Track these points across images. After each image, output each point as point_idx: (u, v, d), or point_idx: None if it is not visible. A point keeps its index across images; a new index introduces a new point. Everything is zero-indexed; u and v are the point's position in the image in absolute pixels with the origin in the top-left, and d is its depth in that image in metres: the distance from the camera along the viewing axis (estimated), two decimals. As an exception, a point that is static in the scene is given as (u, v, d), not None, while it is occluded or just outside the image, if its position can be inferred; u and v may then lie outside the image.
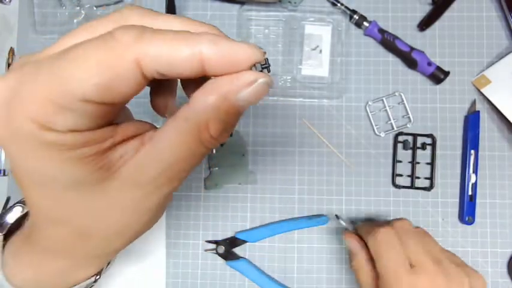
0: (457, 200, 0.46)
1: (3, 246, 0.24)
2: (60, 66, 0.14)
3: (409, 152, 0.47)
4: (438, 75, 0.45)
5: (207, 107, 0.16)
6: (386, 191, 0.47)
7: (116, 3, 0.48)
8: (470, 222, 0.45)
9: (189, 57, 0.15)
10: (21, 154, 0.15)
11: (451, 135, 0.47)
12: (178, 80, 0.21)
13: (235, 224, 0.47)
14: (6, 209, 0.25)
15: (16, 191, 0.47)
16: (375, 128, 0.47)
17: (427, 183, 0.46)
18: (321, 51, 0.48)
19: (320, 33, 0.48)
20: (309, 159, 0.47)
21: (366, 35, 0.47)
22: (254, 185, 0.47)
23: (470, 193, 0.45)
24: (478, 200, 0.45)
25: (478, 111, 0.46)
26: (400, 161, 0.47)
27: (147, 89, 0.20)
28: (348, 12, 0.47)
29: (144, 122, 0.19)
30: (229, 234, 0.47)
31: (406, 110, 0.47)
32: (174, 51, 0.15)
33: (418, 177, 0.46)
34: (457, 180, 0.46)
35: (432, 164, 0.46)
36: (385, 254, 0.36)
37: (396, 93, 0.47)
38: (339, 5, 0.47)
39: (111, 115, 0.16)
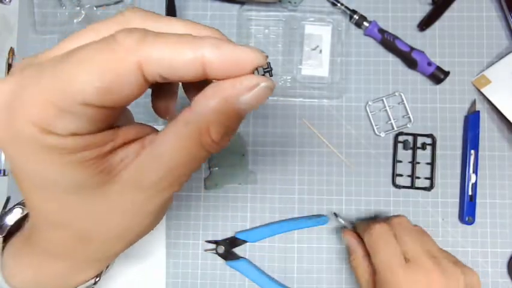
0: (457, 200, 0.46)
1: (3, 248, 0.24)
2: (61, 69, 0.14)
3: (409, 152, 0.47)
4: (438, 75, 0.45)
5: (208, 111, 0.16)
6: (387, 191, 0.47)
7: (115, 3, 0.48)
8: (470, 222, 0.45)
9: (191, 61, 0.15)
10: (22, 157, 0.15)
11: (451, 135, 0.47)
12: (180, 83, 0.21)
13: (235, 224, 0.47)
14: (6, 210, 0.25)
15: (16, 191, 0.47)
16: (374, 128, 0.47)
17: (427, 183, 0.46)
18: (321, 51, 0.48)
19: (320, 33, 0.48)
20: (309, 159, 0.47)
21: (366, 35, 0.47)
22: (254, 185, 0.47)
23: (470, 193, 0.45)
24: (478, 200, 0.45)
25: (478, 111, 0.46)
26: (400, 161, 0.47)
27: (148, 89, 0.20)
28: (348, 12, 0.47)
29: (145, 125, 0.19)
30: (229, 234, 0.47)
31: (406, 110, 0.47)
32: (176, 54, 0.15)
33: (418, 177, 0.46)
34: (457, 180, 0.46)
35: (432, 164, 0.46)
36: (380, 248, 0.37)
37: (396, 93, 0.47)
38: (339, 5, 0.47)
39: (112, 118, 0.16)
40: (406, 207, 0.46)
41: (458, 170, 0.46)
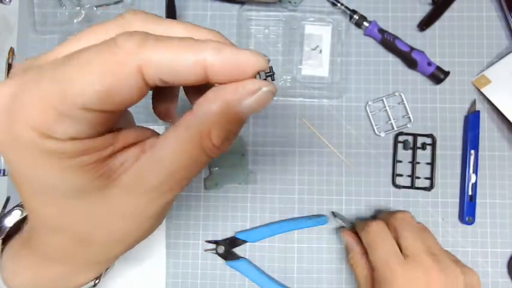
0: (457, 200, 0.46)
1: (2, 250, 0.24)
2: (61, 72, 0.14)
3: (409, 152, 0.47)
4: (438, 75, 0.45)
5: (209, 115, 0.16)
6: (387, 191, 0.47)
7: (115, 3, 0.48)
8: (470, 222, 0.45)
9: (192, 65, 0.15)
10: (21, 161, 0.15)
11: (451, 135, 0.47)
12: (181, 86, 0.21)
13: (235, 224, 0.47)
14: (5, 212, 0.25)
15: (16, 191, 0.46)
16: (375, 128, 0.47)
17: (427, 183, 0.46)
18: (321, 51, 0.48)
19: (320, 33, 0.48)
20: (309, 159, 0.47)
21: (366, 35, 0.47)
22: (254, 185, 0.47)
23: (470, 193, 0.45)
24: (478, 200, 0.45)
25: (478, 111, 0.46)
26: (400, 161, 0.47)
27: (149, 91, 0.20)
28: (348, 12, 0.47)
29: (145, 128, 0.19)
30: (229, 234, 0.47)
31: (406, 110, 0.47)
32: (177, 58, 0.14)
33: (418, 177, 0.46)
34: (457, 180, 0.46)
35: (432, 164, 0.46)
36: (377, 246, 0.37)
37: (396, 93, 0.47)
38: (339, 5, 0.47)
39: (112, 122, 0.16)
40: (406, 207, 0.46)
41: (458, 170, 0.46)
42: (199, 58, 0.15)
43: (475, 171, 0.45)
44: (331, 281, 0.46)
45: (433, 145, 0.46)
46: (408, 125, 0.47)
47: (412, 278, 0.34)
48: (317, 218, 0.46)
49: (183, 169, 0.17)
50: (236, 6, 0.48)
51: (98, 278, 0.24)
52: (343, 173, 0.47)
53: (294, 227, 0.46)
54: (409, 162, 0.47)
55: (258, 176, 0.47)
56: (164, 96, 0.21)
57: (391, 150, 0.47)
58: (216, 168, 0.47)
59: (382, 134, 0.47)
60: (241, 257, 0.46)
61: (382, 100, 0.47)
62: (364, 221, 0.42)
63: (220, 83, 0.16)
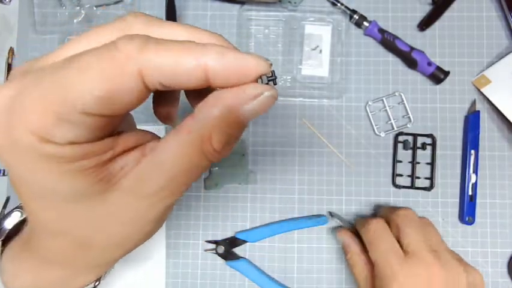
0: (457, 200, 0.46)
1: (2, 251, 0.24)
2: (60, 76, 0.14)
3: (409, 152, 0.47)
4: (438, 75, 0.45)
5: (210, 119, 0.16)
6: (387, 191, 0.47)
7: (115, 3, 0.48)
8: (470, 222, 0.45)
9: (193, 69, 0.15)
10: (20, 165, 0.15)
11: (451, 135, 0.47)
12: None
13: (235, 224, 0.47)
14: (5, 214, 0.25)
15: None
16: (375, 128, 0.47)
17: (427, 183, 0.46)
18: (321, 51, 0.48)
19: (320, 33, 0.48)
20: (309, 159, 0.47)
21: (366, 35, 0.47)
22: (254, 185, 0.47)
23: (470, 193, 0.45)
24: (478, 200, 0.45)
25: (478, 111, 0.46)
26: (400, 161, 0.47)
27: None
28: (348, 12, 0.47)
29: (146, 131, 0.19)
30: (229, 234, 0.47)
31: (406, 110, 0.47)
32: (178, 63, 0.14)
33: (418, 177, 0.46)
34: (457, 180, 0.46)
35: (432, 164, 0.46)
36: (377, 243, 0.37)
37: (396, 93, 0.47)
38: (339, 5, 0.47)
39: (112, 126, 0.16)
40: (406, 207, 0.46)
41: (458, 170, 0.46)
42: (200, 62, 0.14)
43: (475, 171, 0.45)
44: (331, 281, 0.46)
45: (433, 145, 0.46)
46: (408, 125, 0.47)
47: (412, 275, 0.34)
48: (317, 218, 0.46)
49: (184, 173, 0.17)
50: (236, 6, 0.48)
51: (98, 280, 0.24)
52: (343, 173, 0.47)
53: (294, 227, 0.46)
54: (409, 162, 0.47)
55: (258, 176, 0.47)
56: (165, 99, 0.21)
57: (391, 150, 0.47)
58: (216, 168, 0.47)
59: (382, 134, 0.47)
60: (241, 257, 0.46)
61: (382, 100, 0.47)
62: (364, 218, 0.42)
63: (222, 87, 0.16)
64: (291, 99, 0.48)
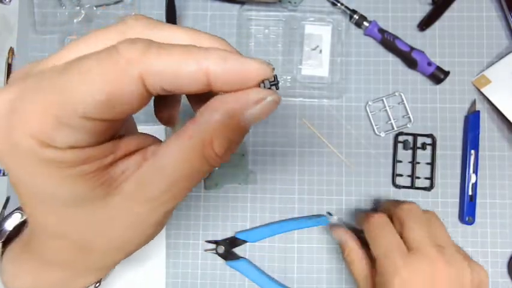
0: (457, 200, 0.46)
1: (2, 253, 0.24)
2: (61, 81, 0.14)
3: (409, 152, 0.47)
4: (438, 75, 0.45)
5: (212, 124, 0.15)
6: (387, 191, 0.47)
7: (115, 3, 0.48)
8: (470, 222, 0.45)
9: (195, 74, 0.14)
10: (20, 169, 0.15)
11: (451, 135, 0.47)
12: None
13: (235, 224, 0.47)
14: (5, 215, 0.25)
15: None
16: (375, 128, 0.47)
17: (427, 183, 0.46)
18: (321, 51, 0.48)
19: (320, 33, 0.48)
20: (309, 159, 0.47)
21: (366, 35, 0.47)
22: (254, 185, 0.47)
23: (470, 193, 0.45)
24: (478, 200, 0.45)
25: (478, 111, 0.46)
26: (400, 161, 0.47)
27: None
28: (348, 12, 0.47)
29: (147, 135, 0.19)
30: (229, 234, 0.47)
31: (406, 110, 0.47)
32: (180, 68, 0.14)
33: (418, 177, 0.46)
34: (457, 180, 0.46)
35: (432, 164, 0.46)
36: (379, 238, 0.36)
37: (396, 93, 0.47)
38: (339, 5, 0.47)
39: (113, 130, 0.16)
40: (406, 207, 0.46)
41: (458, 170, 0.46)
42: (202, 67, 0.14)
43: (475, 171, 0.45)
44: (331, 281, 0.46)
45: (433, 145, 0.46)
46: (408, 125, 0.47)
47: (416, 271, 0.33)
48: (317, 218, 0.46)
49: (185, 178, 0.16)
50: (236, 6, 0.48)
51: (99, 281, 0.24)
52: (343, 173, 0.47)
53: (294, 227, 0.46)
54: (409, 162, 0.47)
55: (258, 176, 0.47)
56: (166, 102, 0.21)
57: (391, 150, 0.47)
58: (216, 168, 0.47)
59: (382, 134, 0.47)
60: (241, 257, 0.46)
61: (382, 100, 0.47)
62: (365, 212, 0.41)
63: (224, 92, 0.16)
64: (291, 99, 0.48)
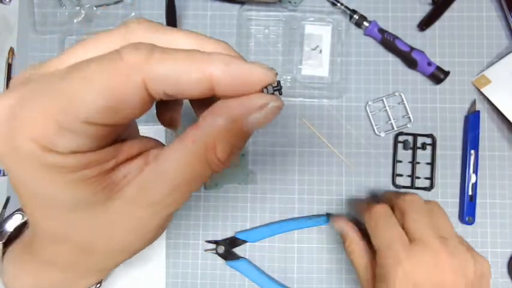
0: (457, 200, 0.46)
1: (3, 254, 0.24)
2: (63, 86, 0.14)
3: (409, 152, 0.47)
4: (438, 75, 0.45)
5: (215, 129, 0.15)
6: (387, 191, 0.47)
7: (115, 3, 0.48)
8: (471, 222, 0.45)
9: (198, 80, 0.14)
10: (21, 173, 0.15)
11: (451, 135, 0.47)
12: None
13: (235, 224, 0.47)
14: (6, 216, 0.25)
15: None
16: (375, 128, 0.47)
17: (427, 183, 0.46)
18: (321, 51, 0.48)
19: (320, 33, 0.48)
20: (309, 159, 0.47)
21: (366, 35, 0.47)
22: (254, 185, 0.47)
23: (470, 193, 0.45)
24: (478, 200, 0.45)
25: (478, 111, 0.46)
26: (400, 161, 0.47)
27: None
28: (348, 12, 0.47)
29: (149, 138, 0.19)
30: (229, 234, 0.47)
31: (406, 110, 0.47)
32: (183, 73, 0.14)
33: (418, 177, 0.46)
34: (457, 180, 0.46)
35: (432, 164, 0.46)
36: (380, 229, 0.35)
37: (396, 93, 0.47)
38: (339, 5, 0.47)
39: (115, 135, 0.16)
40: (406, 207, 0.46)
41: (458, 170, 0.46)
42: (205, 73, 0.14)
43: (475, 171, 0.45)
44: (331, 281, 0.46)
45: (433, 145, 0.46)
46: (408, 125, 0.47)
47: (419, 262, 0.32)
48: (317, 218, 0.46)
49: (187, 182, 0.16)
50: (236, 6, 0.48)
51: (100, 282, 0.24)
52: (343, 173, 0.47)
53: (294, 227, 0.46)
54: (409, 162, 0.47)
55: (258, 176, 0.47)
56: (168, 104, 0.21)
57: (391, 150, 0.47)
58: (216, 168, 0.47)
59: (382, 134, 0.47)
60: (241, 257, 0.46)
61: (382, 100, 0.47)
62: (366, 202, 0.41)
63: (227, 97, 0.16)
64: (291, 99, 0.48)
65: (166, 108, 0.21)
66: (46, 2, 0.48)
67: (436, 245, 0.33)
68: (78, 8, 0.48)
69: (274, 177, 0.47)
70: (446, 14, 0.47)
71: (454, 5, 0.47)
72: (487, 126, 0.46)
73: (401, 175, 0.47)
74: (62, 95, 0.13)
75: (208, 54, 0.15)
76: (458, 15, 0.47)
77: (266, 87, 0.16)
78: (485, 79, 0.46)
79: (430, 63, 0.45)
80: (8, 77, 0.48)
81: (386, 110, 0.47)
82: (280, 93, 0.16)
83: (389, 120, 0.47)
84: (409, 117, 0.47)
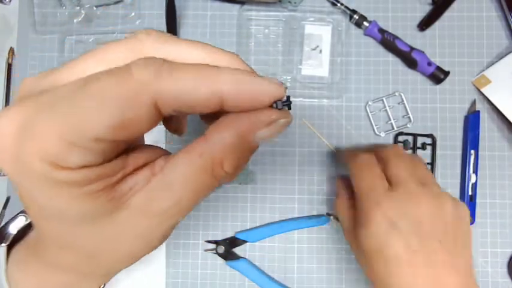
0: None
1: (7, 255, 0.24)
2: (74, 104, 0.14)
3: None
4: (438, 75, 0.45)
5: (223, 144, 0.16)
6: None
7: (115, 3, 0.48)
8: (470, 222, 0.45)
9: (208, 98, 0.15)
10: (29, 188, 0.15)
11: (451, 135, 0.47)
12: None
13: (235, 224, 0.47)
14: (10, 218, 0.25)
15: (16, 192, 0.46)
16: (375, 128, 0.47)
17: (427, 183, 0.46)
18: (321, 51, 0.48)
19: (320, 33, 0.48)
20: (309, 159, 0.47)
21: (366, 35, 0.47)
22: (254, 185, 0.47)
23: (470, 193, 0.45)
24: (478, 200, 0.45)
25: (478, 111, 0.46)
26: (400, 161, 0.47)
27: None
28: (348, 12, 0.47)
29: (155, 147, 0.19)
30: (229, 234, 0.47)
31: (406, 110, 0.47)
32: (192, 91, 0.14)
33: (418, 177, 0.46)
34: (457, 180, 0.46)
35: (432, 164, 0.46)
36: (363, 174, 0.36)
37: (396, 93, 0.47)
38: (339, 5, 0.47)
39: (122, 149, 0.16)
40: (406, 207, 0.46)
41: (458, 170, 0.46)
42: (215, 90, 0.14)
43: (475, 171, 0.45)
44: (331, 281, 0.46)
45: (433, 145, 0.46)
46: (408, 125, 0.47)
47: (397, 203, 0.33)
48: (317, 218, 0.46)
49: (193, 194, 0.17)
50: (236, 6, 0.48)
51: (103, 284, 0.24)
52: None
53: (294, 227, 0.46)
54: (409, 162, 0.47)
55: (258, 176, 0.47)
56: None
57: (391, 150, 0.47)
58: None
59: (382, 134, 0.47)
60: (241, 257, 0.46)
61: (382, 100, 0.47)
62: (352, 151, 0.41)
63: (235, 111, 0.16)
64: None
65: (174, 117, 0.21)
66: (46, 2, 0.48)
67: (416, 189, 0.34)
68: (78, 8, 0.48)
69: (274, 177, 0.47)
70: (446, 14, 0.47)
71: (454, 5, 0.47)
72: (487, 126, 0.46)
73: (401, 175, 0.47)
74: (72, 113, 0.13)
75: (217, 69, 0.15)
76: (458, 15, 0.47)
77: (275, 102, 0.16)
78: (485, 79, 0.46)
79: (430, 63, 0.45)
80: (8, 77, 0.48)
81: (386, 110, 0.47)
82: (289, 108, 0.16)
83: (389, 120, 0.47)
84: (409, 117, 0.47)
